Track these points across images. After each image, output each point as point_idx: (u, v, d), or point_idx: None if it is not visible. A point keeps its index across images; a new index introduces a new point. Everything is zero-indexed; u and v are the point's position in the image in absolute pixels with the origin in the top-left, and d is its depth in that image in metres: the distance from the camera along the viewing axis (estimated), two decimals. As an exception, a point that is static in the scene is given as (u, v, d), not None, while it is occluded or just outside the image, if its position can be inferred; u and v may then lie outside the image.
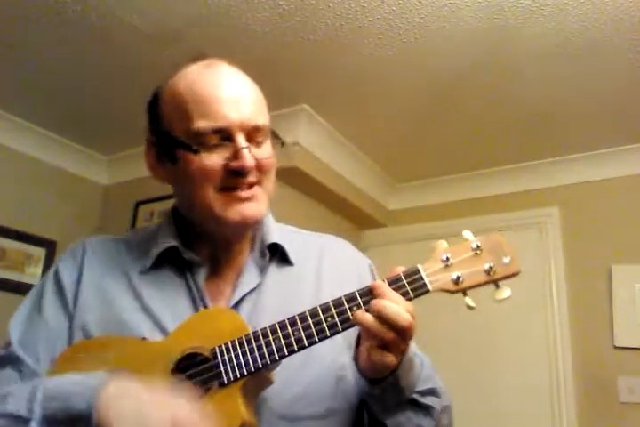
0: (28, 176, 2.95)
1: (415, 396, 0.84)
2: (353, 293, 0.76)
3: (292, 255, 0.93)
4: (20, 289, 2.80)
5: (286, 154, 2.56)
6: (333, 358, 0.86)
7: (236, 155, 0.82)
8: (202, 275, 0.88)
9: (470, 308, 0.77)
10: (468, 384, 2.76)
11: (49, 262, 2.94)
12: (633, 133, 2.74)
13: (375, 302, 0.73)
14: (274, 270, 0.92)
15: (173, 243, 0.89)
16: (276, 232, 0.95)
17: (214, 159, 0.82)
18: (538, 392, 2.76)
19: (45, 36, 2.19)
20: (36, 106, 2.76)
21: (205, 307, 0.85)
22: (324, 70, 2.35)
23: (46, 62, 2.38)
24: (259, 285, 0.88)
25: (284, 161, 2.63)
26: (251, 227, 0.90)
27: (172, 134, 0.86)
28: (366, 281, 0.81)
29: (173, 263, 0.90)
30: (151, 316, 0.84)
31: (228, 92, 0.85)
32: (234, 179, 0.83)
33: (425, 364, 0.90)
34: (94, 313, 0.85)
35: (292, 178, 2.76)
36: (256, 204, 0.85)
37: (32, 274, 2.87)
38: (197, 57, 0.93)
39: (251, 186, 0.85)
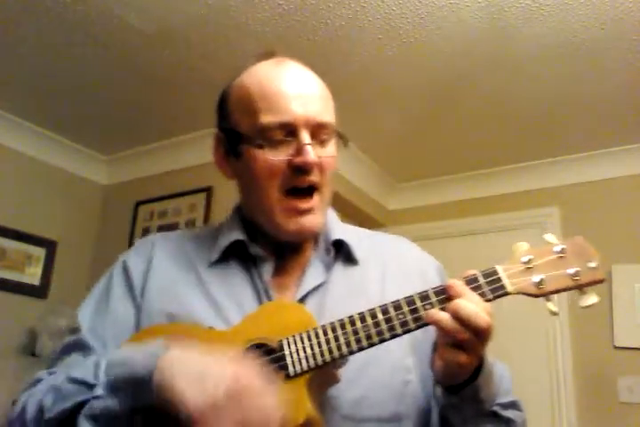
0: (28, 176, 2.95)
1: (496, 408, 0.81)
2: (426, 291, 0.74)
3: (356, 254, 0.92)
4: (20, 289, 2.80)
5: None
6: (398, 360, 0.84)
7: (300, 151, 0.82)
8: (267, 269, 0.88)
9: (553, 313, 0.73)
10: (468, 384, 2.76)
11: (49, 262, 2.94)
12: (633, 133, 2.74)
13: (452, 302, 0.70)
14: (339, 268, 0.91)
15: (240, 237, 0.90)
16: (340, 229, 0.94)
17: (278, 155, 0.83)
18: (538, 392, 2.76)
19: (45, 36, 2.19)
20: (36, 106, 2.76)
21: (270, 299, 0.85)
22: (324, 70, 2.35)
23: (46, 62, 2.38)
24: (324, 282, 0.88)
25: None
26: (308, 237, 0.90)
27: (237, 130, 0.87)
28: (433, 283, 0.79)
29: (239, 257, 0.90)
30: (217, 309, 0.84)
31: (295, 88, 0.86)
32: (296, 177, 0.84)
33: (505, 375, 0.88)
34: (162, 304, 0.86)
35: (292, 178, 2.75)
36: (314, 216, 0.86)
37: (32, 274, 2.87)
38: (265, 55, 0.95)
39: (311, 192, 0.85)
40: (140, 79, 2.48)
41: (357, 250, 0.92)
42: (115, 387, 0.69)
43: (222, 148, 0.93)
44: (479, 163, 3.11)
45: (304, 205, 0.84)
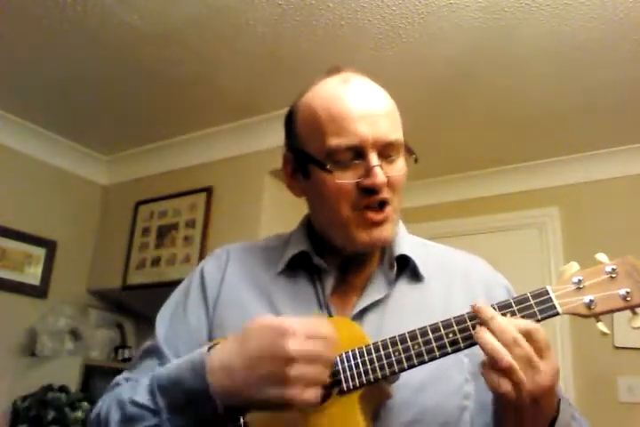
0: (28, 176, 2.96)
1: None
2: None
3: (422, 270, 0.92)
4: (20, 289, 2.80)
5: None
6: (457, 385, 0.83)
7: (369, 173, 0.83)
8: (329, 281, 0.90)
9: (604, 334, 0.74)
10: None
11: (49, 262, 2.94)
12: (633, 133, 2.74)
13: (497, 322, 0.71)
14: (402, 284, 0.91)
15: (304, 248, 0.93)
16: (407, 244, 0.94)
17: (347, 177, 0.84)
18: (538, 392, 2.75)
19: (45, 36, 2.19)
20: (35, 106, 2.76)
21: (330, 313, 0.87)
22: (323, 70, 2.35)
23: (46, 62, 2.38)
24: (385, 297, 0.88)
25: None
26: (378, 248, 0.91)
27: (305, 151, 0.88)
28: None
29: (305, 268, 0.93)
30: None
31: (361, 109, 0.85)
32: (366, 196, 0.84)
33: None
34: (231, 317, 0.90)
35: (292, 178, 2.75)
36: (386, 227, 0.86)
37: (32, 274, 2.87)
38: (332, 70, 0.95)
39: (382, 205, 0.85)
40: (139, 79, 2.48)
41: (423, 266, 0.92)
42: (177, 408, 0.72)
43: (290, 166, 0.94)
44: (479, 163, 3.11)
45: (377, 216, 0.85)
